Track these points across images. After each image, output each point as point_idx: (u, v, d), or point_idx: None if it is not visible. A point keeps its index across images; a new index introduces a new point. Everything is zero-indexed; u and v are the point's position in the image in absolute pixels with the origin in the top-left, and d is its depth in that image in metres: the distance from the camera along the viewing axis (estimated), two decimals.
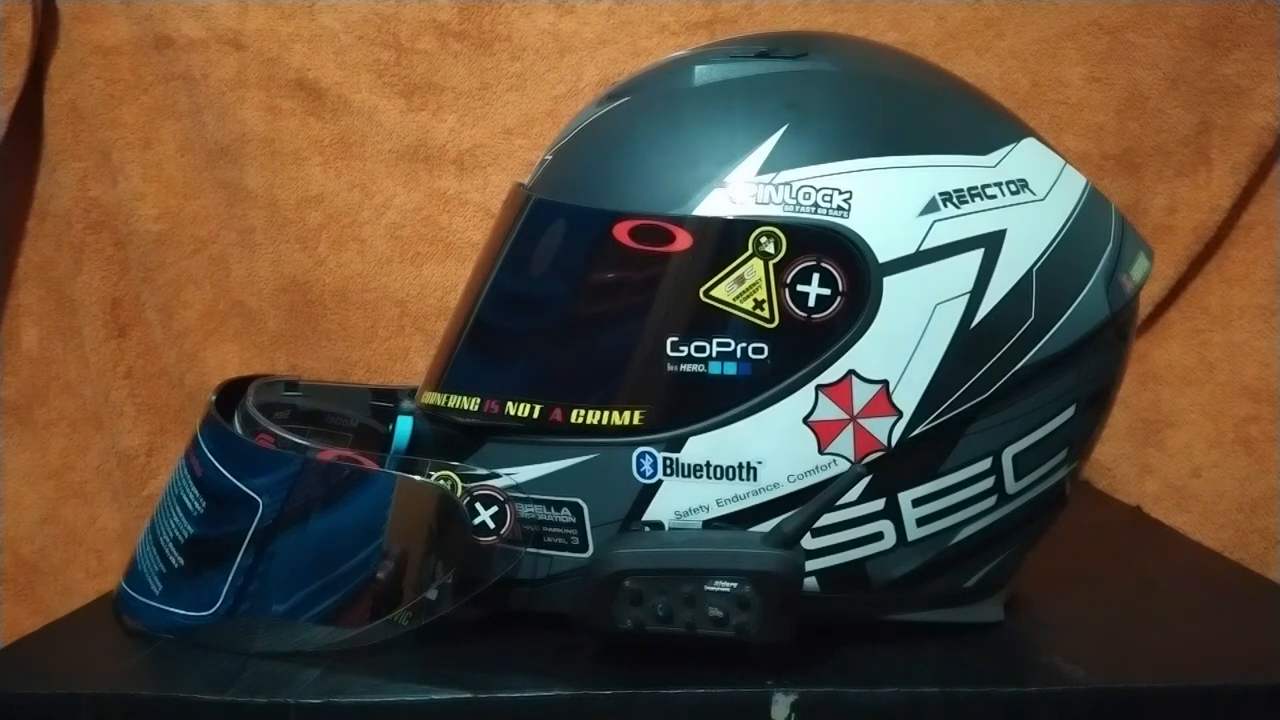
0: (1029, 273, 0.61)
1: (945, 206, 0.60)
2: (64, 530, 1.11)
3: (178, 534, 0.66)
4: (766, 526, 0.60)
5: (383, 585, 0.63)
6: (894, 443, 0.60)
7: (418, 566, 0.64)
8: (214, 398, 0.70)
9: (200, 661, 0.62)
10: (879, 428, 0.60)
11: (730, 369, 0.60)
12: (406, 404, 0.73)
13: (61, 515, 1.11)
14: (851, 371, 0.59)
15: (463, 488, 0.63)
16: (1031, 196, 0.62)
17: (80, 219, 1.07)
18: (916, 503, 0.62)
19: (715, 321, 0.60)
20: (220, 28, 1.03)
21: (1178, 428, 1.06)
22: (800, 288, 0.59)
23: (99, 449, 1.11)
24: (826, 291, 0.59)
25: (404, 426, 0.71)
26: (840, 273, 0.59)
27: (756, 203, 0.60)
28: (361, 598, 0.63)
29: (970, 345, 0.60)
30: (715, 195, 0.60)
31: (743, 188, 0.60)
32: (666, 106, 0.65)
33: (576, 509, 0.62)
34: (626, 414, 0.61)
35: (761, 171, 0.60)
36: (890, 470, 0.61)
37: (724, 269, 0.60)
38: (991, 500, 0.63)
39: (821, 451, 0.60)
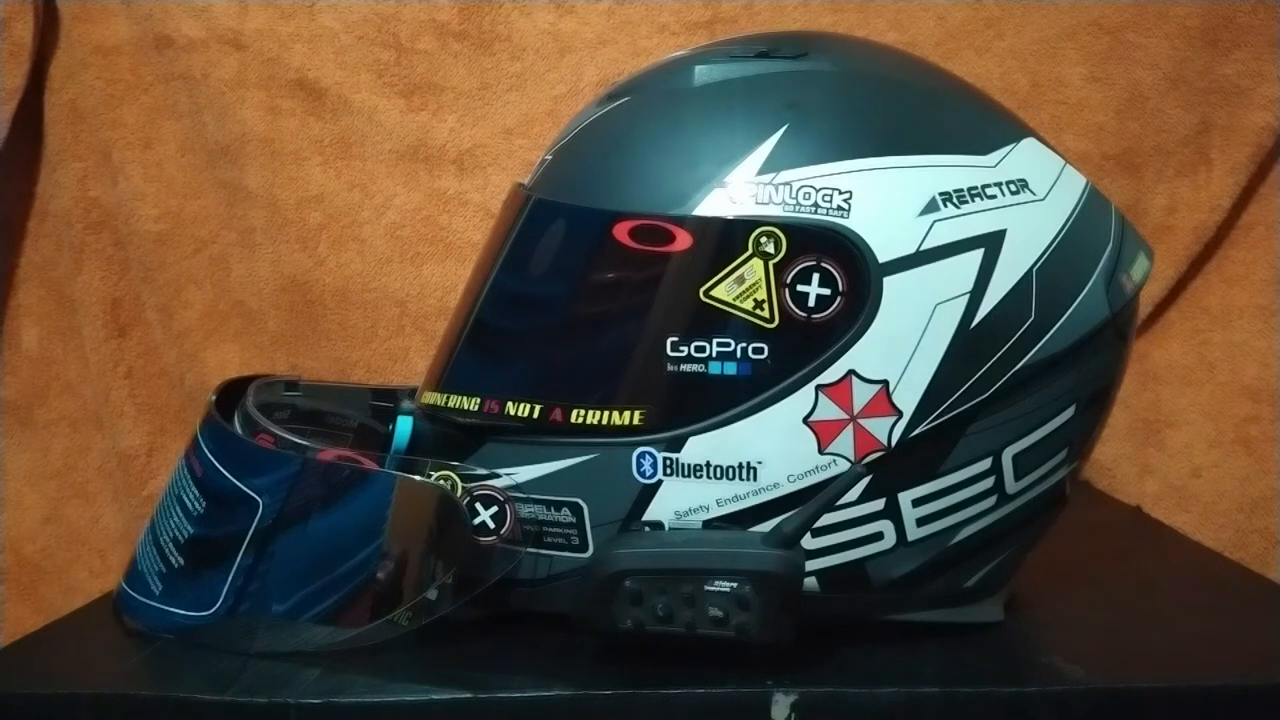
0: (1029, 273, 0.61)
1: (945, 206, 0.60)
2: (67, 530, 1.11)
3: (178, 534, 0.66)
4: (766, 526, 0.60)
5: (383, 585, 0.63)
6: (894, 443, 0.60)
7: (418, 566, 0.64)
8: (214, 398, 0.70)
9: (200, 661, 0.62)
10: (879, 428, 0.60)
11: (730, 369, 0.60)
12: (406, 404, 0.73)
13: (64, 515, 1.11)
14: (851, 371, 0.59)
15: (463, 488, 0.63)
16: (1031, 196, 0.62)
17: (80, 219, 1.07)
18: (916, 503, 0.62)
19: (715, 321, 0.60)
20: (220, 28, 1.03)
21: (1178, 428, 1.06)
22: (800, 288, 0.59)
23: (100, 449, 1.11)
24: (826, 291, 0.59)
25: (404, 426, 0.71)
26: (840, 273, 0.59)
27: (756, 203, 0.60)
28: (361, 598, 0.63)
29: (970, 345, 0.60)
30: (715, 195, 0.60)
31: (743, 188, 0.60)
32: (666, 106, 0.65)
33: (576, 509, 0.62)
34: (626, 414, 0.61)
35: (761, 171, 0.60)
36: (890, 470, 0.61)
37: (724, 269, 0.60)
38: (991, 500, 0.63)
39: (821, 451, 0.60)
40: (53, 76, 1.06)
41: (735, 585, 0.58)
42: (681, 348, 0.60)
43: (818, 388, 0.60)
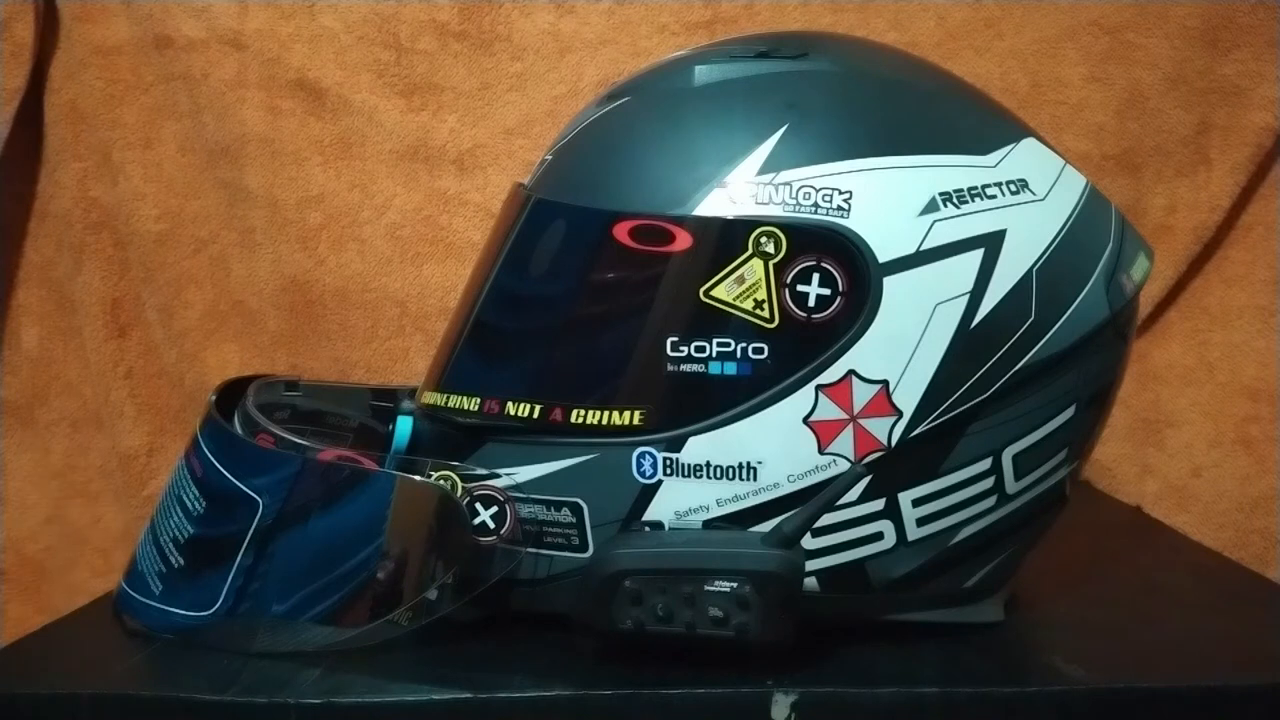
0: (1029, 273, 0.61)
1: (945, 206, 0.60)
2: (69, 529, 1.11)
3: (178, 534, 0.66)
4: (766, 526, 0.60)
5: (383, 585, 0.63)
6: (894, 443, 0.60)
7: (418, 566, 0.64)
8: (214, 398, 0.70)
9: (200, 661, 0.62)
10: (879, 428, 0.60)
11: (730, 369, 0.60)
12: (406, 404, 0.73)
13: (66, 515, 1.11)
14: (851, 371, 0.59)
15: (463, 488, 0.63)
16: (1031, 196, 0.62)
17: (80, 219, 1.07)
18: (916, 503, 0.62)
19: (715, 321, 0.60)
20: (220, 28, 1.03)
21: (1178, 428, 1.06)
22: (800, 288, 0.59)
23: (101, 449, 1.11)
24: (826, 291, 0.59)
25: (404, 426, 0.71)
26: (840, 273, 0.59)
27: (756, 203, 0.60)
28: (361, 598, 0.63)
29: (970, 345, 0.60)
30: (715, 195, 0.60)
31: (743, 188, 0.60)
32: (666, 106, 0.65)
33: (576, 509, 0.62)
34: (626, 414, 0.61)
35: (761, 171, 0.60)
36: (890, 470, 0.61)
37: (724, 269, 0.60)
38: (991, 500, 0.63)
39: (821, 451, 0.60)
40: (53, 76, 1.06)
41: (735, 585, 0.58)
42: (681, 348, 0.60)
43: (818, 388, 0.60)
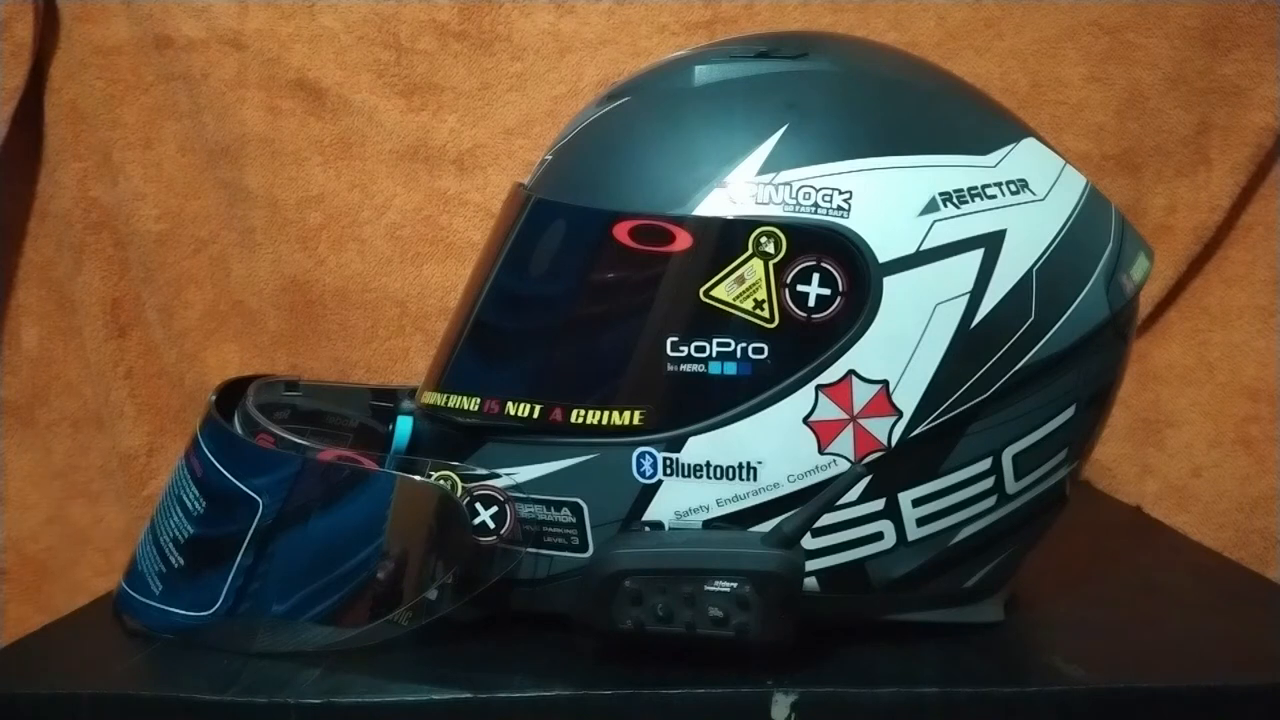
0: (1029, 273, 0.61)
1: (945, 206, 0.60)
2: (70, 529, 1.11)
3: (178, 534, 0.66)
4: (766, 526, 0.60)
5: (383, 585, 0.63)
6: (894, 443, 0.60)
7: (418, 567, 0.64)
8: (214, 398, 0.70)
9: (200, 661, 0.62)
10: (879, 428, 0.60)
11: (730, 369, 0.60)
12: (406, 404, 0.73)
13: (68, 514, 1.11)
14: (851, 371, 0.59)
15: (463, 488, 0.63)
16: (1031, 196, 0.62)
17: (80, 219, 1.07)
18: (916, 503, 0.62)
19: (715, 321, 0.60)
20: (220, 28, 1.03)
21: (1178, 428, 1.06)
22: (800, 288, 0.59)
23: (101, 449, 1.11)
24: (826, 291, 0.59)
25: (404, 426, 0.71)
26: (840, 273, 0.59)
27: (756, 203, 0.60)
28: (361, 598, 0.63)
29: (970, 345, 0.60)
30: (715, 195, 0.60)
31: (743, 188, 0.60)
32: (666, 106, 0.65)
33: (576, 509, 0.62)
34: (626, 414, 0.61)
35: (761, 171, 0.60)
36: (890, 470, 0.61)
37: (724, 269, 0.60)
38: (991, 500, 0.63)
39: (821, 451, 0.60)
40: (53, 76, 1.06)
41: (735, 585, 0.58)
42: (681, 348, 0.60)
43: (818, 388, 0.60)
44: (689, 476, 0.61)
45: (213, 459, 0.66)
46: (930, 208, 0.60)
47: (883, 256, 0.59)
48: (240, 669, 0.61)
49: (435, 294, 1.06)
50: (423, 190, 1.06)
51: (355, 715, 0.59)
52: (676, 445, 0.61)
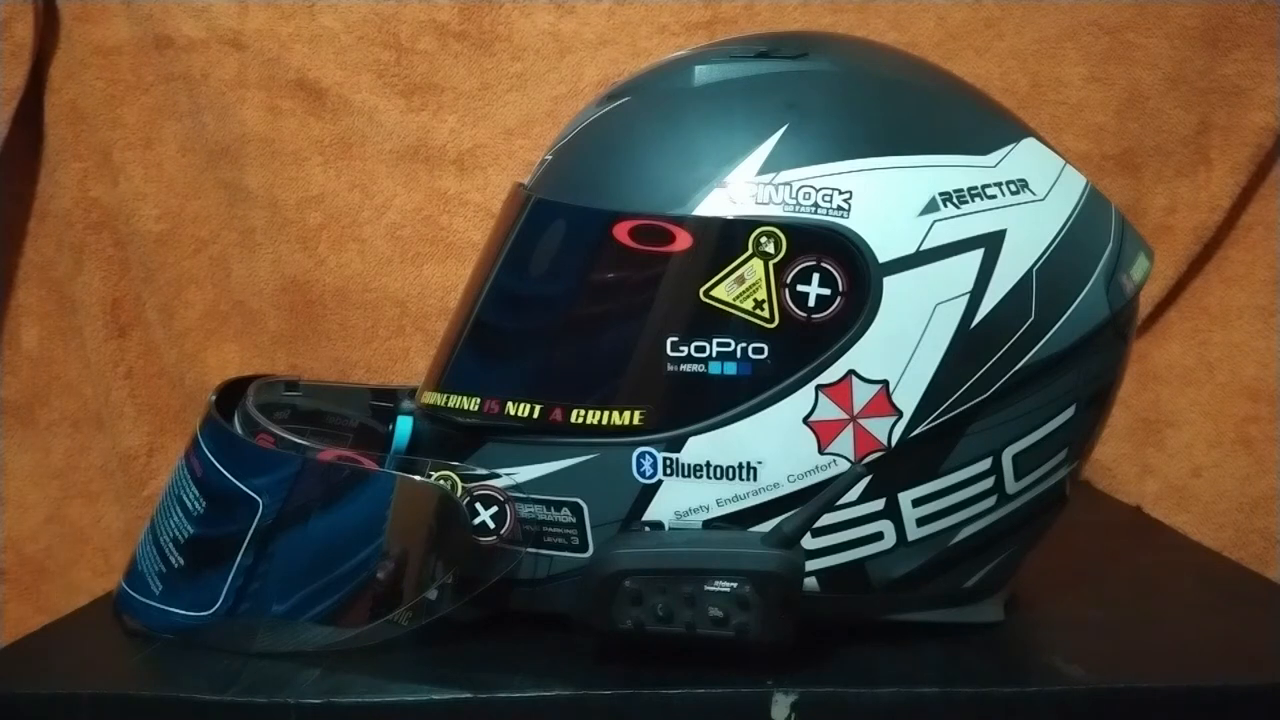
0: (1029, 273, 0.61)
1: (945, 206, 0.60)
2: (69, 529, 1.11)
3: (178, 534, 0.66)
4: (766, 526, 0.60)
5: (383, 585, 0.63)
6: (894, 443, 0.60)
7: (418, 567, 0.64)
8: (214, 398, 0.70)
9: (200, 661, 0.62)
10: (879, 428, 0.60)
11: (730, 369, 0.60)
12: (406, 404, 0.73)
13: (67, 515, 1.11)
14: (851, 371, 0.59)
15: (463, 488, 0.63)
16: (1031, 196, 0.62)
17: (81, 219, 1.07)
18: (916, 503, 0.62)
19: (715, 321, 0.60)
20: (220, 28, 1.03)
21: (1178, 428, 1.06)
22: (800, 288, 0.59)
23: (101, 449, 1.11)
24: (826, 291, 0.59)
25: (404, 426, 0.71)
26: (840, 273, 0.59)
27: (756, 203, 0.60)
28: (361, 598, 0.63)
29: (970, 345, 0.60)
30: (715, 195, 0.60)
31: (743, 188, 0.60)
32: (666, 106, 0.65)
33: (576, 509, 0.62)
34: (626, 414, 0.61)
35: (761, 171, 0.60)
36: (890, 470, 0.61)
37: (724, 269, 0.60)
38: (991, 500, 0.63)
39: (821, 451, 0.60)
40: (53, 76, 1.06)
41: (735, 585, 0.58)
42: (681, 348, 0.60)
43: (818, 388, 0.60)
44: (689, 476, 0.61)
45: (213, 459, 0.66)
46: (930, 208, 0.60)
47: (883, 256, 0.59)
48: (240, 669, 0.61)
49: (435, 294, 1.06)
50: (423, 190, 1.06)
51: (355, 715, 0.59)
52: (676, 445, 0.61)
